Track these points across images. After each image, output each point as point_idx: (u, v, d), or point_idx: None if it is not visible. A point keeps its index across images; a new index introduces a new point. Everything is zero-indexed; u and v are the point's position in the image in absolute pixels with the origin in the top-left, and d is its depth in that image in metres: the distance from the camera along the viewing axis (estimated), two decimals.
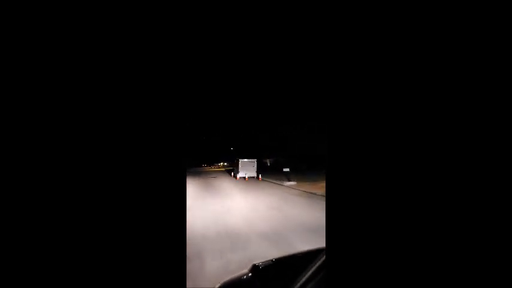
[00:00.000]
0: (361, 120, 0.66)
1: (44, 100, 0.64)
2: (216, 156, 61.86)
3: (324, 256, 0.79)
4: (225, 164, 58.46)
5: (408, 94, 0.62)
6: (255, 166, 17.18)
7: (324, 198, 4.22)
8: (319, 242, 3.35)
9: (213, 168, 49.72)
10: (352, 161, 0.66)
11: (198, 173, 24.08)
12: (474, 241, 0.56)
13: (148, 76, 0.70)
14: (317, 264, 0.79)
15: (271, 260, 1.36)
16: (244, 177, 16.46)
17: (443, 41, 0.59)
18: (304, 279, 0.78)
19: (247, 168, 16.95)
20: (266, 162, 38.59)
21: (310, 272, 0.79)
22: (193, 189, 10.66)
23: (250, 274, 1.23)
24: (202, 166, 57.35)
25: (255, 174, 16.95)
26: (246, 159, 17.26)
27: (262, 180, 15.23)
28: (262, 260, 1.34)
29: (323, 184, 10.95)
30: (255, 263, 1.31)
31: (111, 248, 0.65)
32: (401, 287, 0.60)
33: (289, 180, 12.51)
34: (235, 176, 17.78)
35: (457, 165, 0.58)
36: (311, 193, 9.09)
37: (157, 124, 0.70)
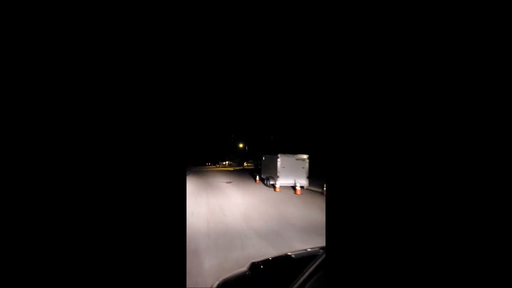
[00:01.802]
0: (361, 120, 0.65)
1: (42, 100, 0.63)
2: (221, 154, 54.93)
3: (323, 255, 0.79)
4: (231, 162, 51.50)
5: (409, 94, 0.61)
6: (307, 167, 9.24)
7: None
8: None
9: (218, 167, 42.37)
10: (352, 160, 0.66)
11: (200, 174, 16.66)
12: (474, 240, 0.54)
13: (149, 75, 0.68)
14: (316, 263, 0.79)
15: (270, 258, 1.34)
16: (294, 188, 8.41)
17: (443, 41, 0.58)
18: (303, 277, 0.78)
19: (291, 170, 8.90)
20: None
21: (309, 271, 0.79)
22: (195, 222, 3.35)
23: (249, 272, 1.19)
24: (206, 165, 50.40)
25: (306, 182, 8.96)
26: (290, 155, 9.17)
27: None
28: (261, 259, 1.29)
29: None
30: (253, 261, 1.26)
31: (111, 247, 0.64)
32: (402, 286, 0.60)
33: None
34: (267, 183, 9.83)
35: (458, 166, 0.56)
36: None
37: (157, 123, 0.68)
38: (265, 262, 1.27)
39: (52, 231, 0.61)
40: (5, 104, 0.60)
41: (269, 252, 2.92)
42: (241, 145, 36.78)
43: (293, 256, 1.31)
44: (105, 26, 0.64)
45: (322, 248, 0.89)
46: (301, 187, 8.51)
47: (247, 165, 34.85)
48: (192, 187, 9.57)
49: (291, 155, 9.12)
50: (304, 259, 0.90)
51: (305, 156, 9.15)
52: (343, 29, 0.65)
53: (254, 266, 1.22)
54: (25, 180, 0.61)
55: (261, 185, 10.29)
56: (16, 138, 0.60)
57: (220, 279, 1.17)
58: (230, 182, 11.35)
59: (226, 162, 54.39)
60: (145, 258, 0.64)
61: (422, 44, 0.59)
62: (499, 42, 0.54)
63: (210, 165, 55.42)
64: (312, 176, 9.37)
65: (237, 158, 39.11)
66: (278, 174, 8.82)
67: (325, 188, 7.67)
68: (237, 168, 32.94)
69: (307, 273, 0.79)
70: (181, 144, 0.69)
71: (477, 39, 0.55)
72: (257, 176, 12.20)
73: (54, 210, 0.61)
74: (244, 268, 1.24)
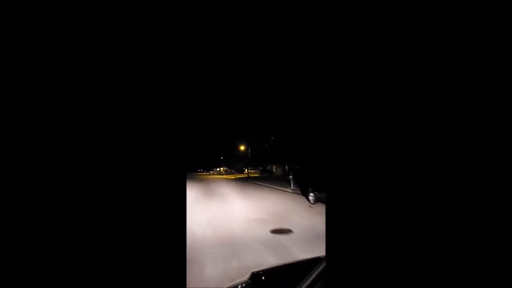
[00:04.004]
0: (363, 120, 0.63)
1: (39, 100, 0.61)
2: (216, 158, 47.34)
3: (323, 264, 0.78)
4: (226, 169, 43.79)
5: (410, 94, 0.60)
6: None
7: None
8: None
9: (213, 175, 34.45)
10: (353, 162, 0.63)
11: (201, 189, 9.42)
12: (481, 247, 0.53)
13: (149, 75, 0.66)
14: (316, 272, 0.78)
15: (270, 268, 1.29)
16: None
17: (443, 41, 0.58)
18: (303, 287, 0.77)
19: None
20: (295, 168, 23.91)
21: (309, 280, 0.77)
22: None
23: (249, 282, 1.12)
24: (197, 171, 42.47)
25: None
26: None
27: None
28: (262, 268, 1.21)
29: None
30: (253, 270, 1.18)
31: (111, 247, 0.63)
32: None
33: None
34: None
35: (462, 168, 0.55)
36: None
37: (157, 124, 0.67)
38: (266, 272, 1.20)
39: (52, 232, 0.60)
40: (4, 104, 0.59)
41: None
42: (242, 147, 29.10)
43: (295, 265, 1.27)
44: (101, 25, 0.63)
45: (323, 257, 0.81)
46: None
47: (251, 173, 27.16)
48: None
49: None
50: (306, 267, 0.84)
51: None
52: (344, 29, 0.64)
53: (254, 276, 1.13)
54: (21, 185, 0.59)
55: None
56: (14, 139, 0.59)
57: None
58: (289, 232, 3.81)
59: (222, 168, 46.58)
60: (146, 258, 0.63)
61: (422, 44, 0.58)
62: (499, 42, 0.53)
63: (202, 171, 47.61)
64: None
65: (241, 162, 31.11)
66: None
67: None
68: (239, 176, 25.20)
69: (306, 283, 0.76)
70: (181, 143, 0.68)
71: (477, 39, 0.54)
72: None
73: (54, 212, 0.60)
74: (244, 278, 1.14)
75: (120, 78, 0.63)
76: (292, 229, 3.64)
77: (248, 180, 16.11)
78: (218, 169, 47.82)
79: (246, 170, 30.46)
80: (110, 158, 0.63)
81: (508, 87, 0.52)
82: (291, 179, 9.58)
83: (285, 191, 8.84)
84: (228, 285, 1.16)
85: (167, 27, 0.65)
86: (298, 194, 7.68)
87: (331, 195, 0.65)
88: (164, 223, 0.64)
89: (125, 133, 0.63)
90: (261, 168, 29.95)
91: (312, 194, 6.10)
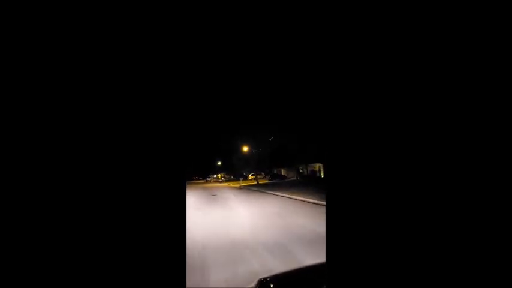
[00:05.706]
0: (363, 120, 0.62)
1: (37, 103, 0.61)
2: (211, 165, 42.40)
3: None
4: (224, 175, 38.89)
5: (411, 94, 0.59)
6: None
7: None
8: None
9: (211, 182, 29.39)
10: (354, 162, 0.62)
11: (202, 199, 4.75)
12: (483, 250, 0.52)
13: (149, 76, 0.66)
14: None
15: (278, 275, 1.23)
16: None
17: (443, 41, 0.57)
18: None
19: None
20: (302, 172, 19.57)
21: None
22: None
23: None
24: (193, 179, 37.30)
25: None
26: None
27: None
28: (269, 275, 1.16)
29: None
30: (261, 277, 1.12)
31: (112, 247, 0.63)
32: None
33: None
34: None
35: (463, 167, 0.55)
36: None
37: (157, 126, 0.67)
38: (274, 278, 1.14)
39: (55, 235, 0.60)
40: (5, 104, 0.59)
41: None
42: (245, 149, 24.27)
43: (303, 270, 1.22)
44: (106, 25, 0.62)
45: None
46: None
47: (261, 179, 22.27)
48: None
49: None
50: (313, 274, 0.85)
51: None
52: (344, 29, 0.63)
53: (262, 283, 1.07)
54: (24, 191, 0.59)
55: None
56: (14, 140, 0.59)
57: None
58: None
59: (220, 174, 41.59)
60: (146, 258, 0.64)
61: (422, 44, 0.57)
62: (499, 42, 0.53)
63: (198, 179, 42.52)
64: None
65: (245, 166, 26.11)
66: None
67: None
68: (243, 183, 20.32)
69: None
70: (181, 145, 0.67)
71: (477, 39, 0.54)
72: None
73: (57, 216, 0.61)
74: (251, 285, 1.09)
75: (119, 81, 0.63)
76: None
77: (265, 190, 11.10)
78: (215, 176, 42.83)
79: (250, 175, 25.63)
80: (112, 160, 0.62)
81: (508, 87, 0.51)
82: None
83: None
84: None
85: (165, 28, 0.63)
86: None
87: (331, 196, 0.64)
88: (165, 224, 0.64)
89: (126, 135, 0.63)
90: (265, 173, 25.29)
91: None
